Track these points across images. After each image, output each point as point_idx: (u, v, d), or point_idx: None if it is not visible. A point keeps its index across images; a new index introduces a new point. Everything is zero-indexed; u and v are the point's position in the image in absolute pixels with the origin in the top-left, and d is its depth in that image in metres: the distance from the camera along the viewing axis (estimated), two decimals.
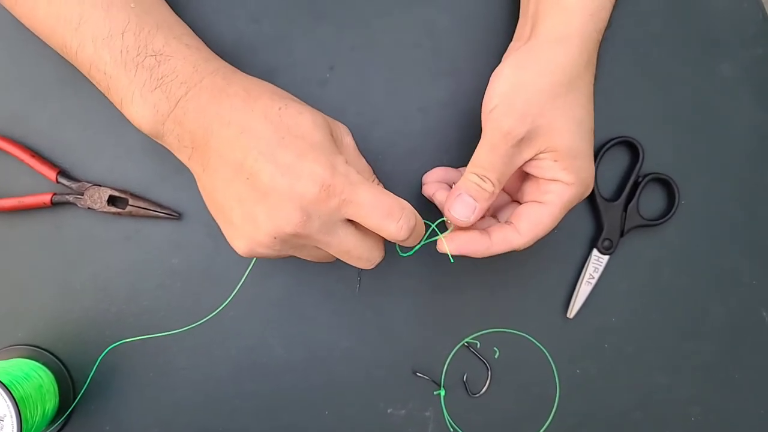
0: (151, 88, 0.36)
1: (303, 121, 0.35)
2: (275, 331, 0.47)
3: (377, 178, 0.41)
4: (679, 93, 0.49)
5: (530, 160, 0.39)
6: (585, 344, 0.49)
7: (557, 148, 0.38)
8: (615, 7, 0.42)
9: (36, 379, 0.42)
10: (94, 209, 0.44)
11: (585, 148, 0.39)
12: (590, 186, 0.40)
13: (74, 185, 0.44)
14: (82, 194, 0.44)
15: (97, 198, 0.44)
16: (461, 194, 0.39)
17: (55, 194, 0.44)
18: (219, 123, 0.35)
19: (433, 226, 0.41)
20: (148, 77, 0.36)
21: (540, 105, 0.37)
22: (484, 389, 0.48)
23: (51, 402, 0.43)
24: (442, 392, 0.48)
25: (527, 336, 0.49)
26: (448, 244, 0.39)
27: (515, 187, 0.43)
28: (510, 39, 0.47)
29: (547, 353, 0.49)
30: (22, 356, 0.45)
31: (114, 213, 0.45)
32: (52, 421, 0.44)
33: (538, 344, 0.49)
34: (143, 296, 0.46)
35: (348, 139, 0.39)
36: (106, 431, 0.46)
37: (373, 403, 0.48)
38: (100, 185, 0.45)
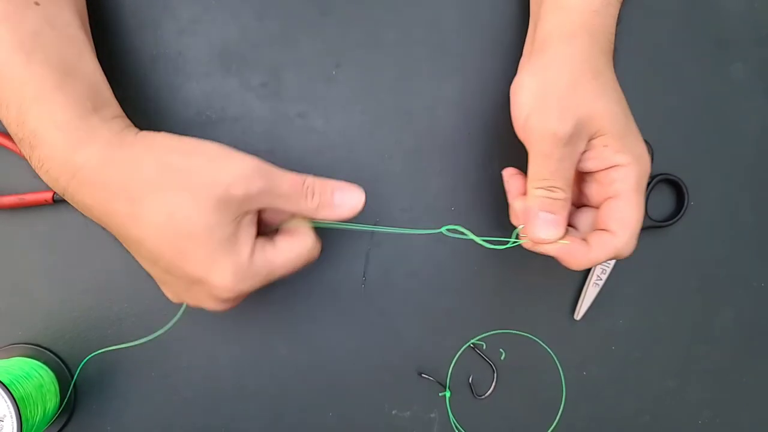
0: (36, 170, 0.34)
1: (197, 228, 0.33)
2: (279, 330, 0.47)
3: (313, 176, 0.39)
4: (689, 93, 0.49)
5: (584, 152, 0.38)
6: (592, 347, 0.48)
7: (605, 131, 0.37)
8: (623, 3, 0.41)
9: (36, 378, 0.42)
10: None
11: (630, 125, 0.38)
12: (648, 162, 0.38)
13: None
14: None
15: None
16: (537, 214, 0.38)
17: (56, 192, 0.44)
18: (112, 225, 0.34)
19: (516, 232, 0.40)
20: (29, 159, 0.34)
21: (574, 96, 0.36)
22: (489, 391, 0.48)
23: (52, 401, 0.42)
24: (448, 394, 0.47)
25: (534, 338, 0.48)
26: (545, 248, 0.38)
27: (574, 192, 0.41)
28: (518, 37, 0.47)
29: (553, 355, 0.48)
30: (21, 355, 0.44)
31: None
32: (54, 420, 0.44)
33: (544, 346, 0.48)
34: (145, 295, 0.45)
35: (252, 189, 0.35)
36: (108, 431, 0.46)
37: (378, 404, 0.47)
38: None
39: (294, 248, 0.37)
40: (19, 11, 0.34)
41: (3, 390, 0.38)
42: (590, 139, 0.37)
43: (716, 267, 0.49)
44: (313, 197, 0.37)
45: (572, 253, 0.38)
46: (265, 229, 0.39)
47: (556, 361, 0.48)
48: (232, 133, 0.46)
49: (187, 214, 0.33)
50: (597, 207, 0.40)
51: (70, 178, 0.33)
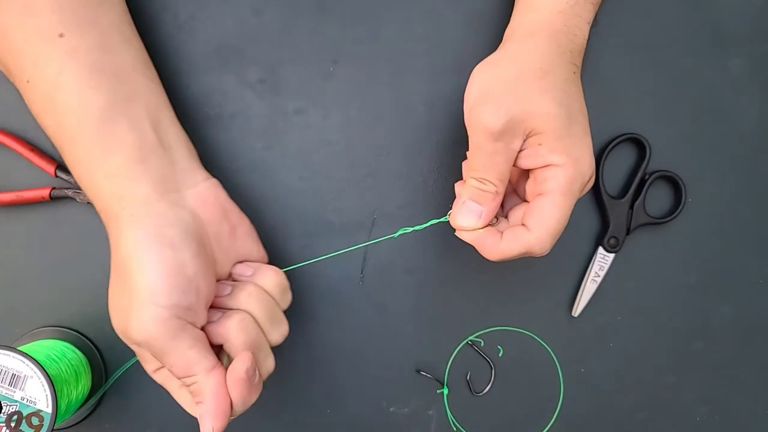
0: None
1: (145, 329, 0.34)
2: None
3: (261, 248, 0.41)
4: (687, 89, 0.49)
5: (521, 151, 0.38)
6: (590, 343, 0.48)
7: (540, 130, 0.37)
8: (603, 4, 0.42)
9: (68, 359, 0.42)
10: (93, 204, 0.44)
11: (573, 128, 0.37)
12: (588, 166, 0.38)
13: (73, 180, 0.44)
14: (81, 189, 0.44)
15: None
16: (465, 201, 0.39)
17: (53, 189, 0.44)
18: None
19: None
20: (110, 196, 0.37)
21: (513, 93, 0.37)
22: (487, 388, 0.48)
23: (83, 382, 0.43)
24: (446, 391, 0.47)
25: (531, 334, 0.48)
26: (462, 235, 0.39)
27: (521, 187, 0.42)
28: None
29: (551, 352, 0.48)
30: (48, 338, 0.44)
31: None
32: (86, 401, 0.45)
33: (542, 343, 0.48)
34: None
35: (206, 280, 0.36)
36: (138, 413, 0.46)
37: (376, 401, 0.47)
38: None
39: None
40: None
41: (38, 368, 0.38)
42: (527, 137, 0.37)
43: (714, 263, 0.49)
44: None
45: (483, 243, 0.38)
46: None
47: (554, 358, 0.48)
48: (229, 130, 0.45)
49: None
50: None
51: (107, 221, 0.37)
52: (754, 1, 0.49)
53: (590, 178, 0.39)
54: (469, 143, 0.38)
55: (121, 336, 0.35)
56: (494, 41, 0.47)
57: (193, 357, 0.34)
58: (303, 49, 0.46)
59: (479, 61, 0.47)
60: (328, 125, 0.46)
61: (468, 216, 0.39)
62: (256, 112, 0.46)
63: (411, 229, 0.42)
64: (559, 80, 0.38)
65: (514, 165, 0.38)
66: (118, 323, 0.35)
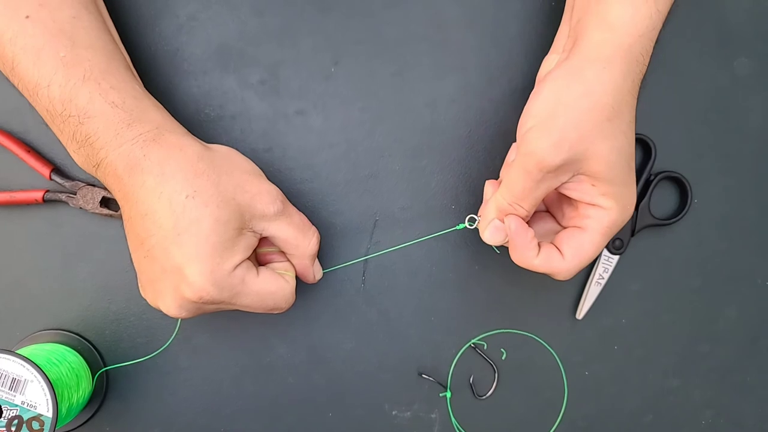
0: (74, 147, 0.36)
1: (206, 216, 0.35)
2: (278, 331, 0.46)
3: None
4: (693, 89, 0.48)
5: (566, 182, 0.38)
6: (594, 346, 0.48)
7: (595, 175, 0.37)
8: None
9: (67, 362, 0.42)
10: (86, 209, 0.44)
11: (624, 176, 0.37)
12: (629, 214, 0.39)
13: (68, 183, 0.44)
14: (75, 193, 0.44)
15: (90, 198, 0.44)
16: (493, 220, 0.40)
17: (47, 191, 0.44)
18: (131, 196, 0.36)
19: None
20: (71, 136, 0.36)
21: (579, 130, 0.35)
22: (490, 391, 0.47)
23: (83, 385, 0.43)
24: (448, 394, 0.47)
25: (535, 337, 0.48)
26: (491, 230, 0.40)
27: (551, 199, 0.43)
28: (519, 32, 0.46)
29: (555, 355, 0.48)
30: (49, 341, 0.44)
31: (106, 215, 0.44)
32: (87, 405, 0.45)
33: (546, 345, 0.48)
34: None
35: (271, 209, 0.37)
36: (139, 417, 0.45)
37: (378, 404, 0.47)
38: (93, 185, 0.44)
39: (273, 285, 0.38)
40: None
41: (38, 371, 0.38)
42: (578, 174, 0.37)
43: (720, 265, 0.49)
44: (312, 241, 0.40)
45: (523, 255, 0.39)
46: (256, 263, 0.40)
47: (558, 361, 0.48)
48: (230, 132, 0.45)
49: (205, 200, 0.35)
50: (561, 224, 0.41)
51: (115, 148, 0.35)
52: (761, 0, 0.48)
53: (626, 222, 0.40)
54: (516, 161, 0.37)
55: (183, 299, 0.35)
56: (497, 40, 0.47)
57: (306, 219, 0.40)
58: (304, 49, 0.46)
59: (481, 62, 0.47)
60: (330, 126, 0.46)
61: (495, 234, 0.40)
62: (257, 114, 0.45)
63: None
64: (625, 124, 0.37)
65: (556, 189, 0.39)
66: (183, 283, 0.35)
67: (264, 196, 0.37)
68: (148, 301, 0.38)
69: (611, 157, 0.36)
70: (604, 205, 0.37)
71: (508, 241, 0.40)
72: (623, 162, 0.37)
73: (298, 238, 0.39)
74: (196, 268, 0.34)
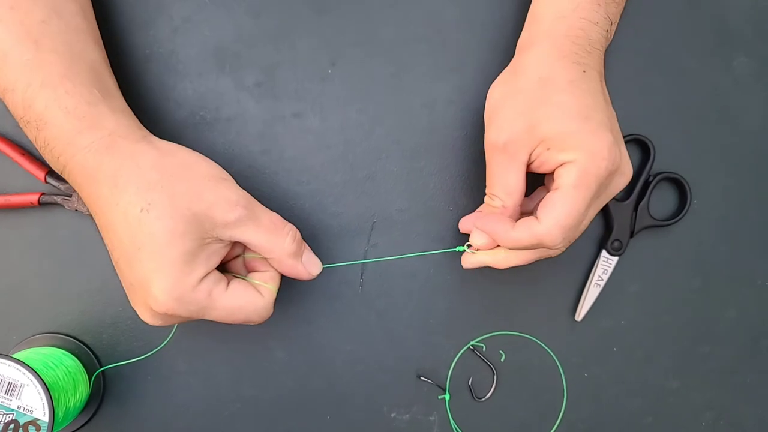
0: (40, 149, 0.36)
1: (160, 230, 0.34)
2: (276, 333, 0.46)
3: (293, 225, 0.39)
4: (692, 89, 0.48)
5: (531, 162, 0.39)
6: (593, 347, 0.48)
7: (544, 137, 0.37)
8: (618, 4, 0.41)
9: (64, 366, 0.42)
10: (81, 212, 0.44)
11: (577, 125, 0.37)
12: (604, 158, 0.36)
13: (63, 186, 0.43)
14: (70, 196, 0.43)
15: None
16: (475, 225, 0.41)
17: (43, 194, 0.43)
18: (93, 207, 0.36)
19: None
20: (34, 140, 0.36)
21: (514, 108, 0.38)
22: (489, 393, 0.47)
23: (80, 389, 0.43)
24: (447, 396, 0.47)
25: (534, 339, 0.47)
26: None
27: None
28: (516, 34, 0.46)
29: (554, 357, 0.48)
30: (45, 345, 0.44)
31: None
32: (84, 409, 0.45)
33: (545, 347, 0.48)
34: None
35: (230, 216, 0.36)
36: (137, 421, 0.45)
37: (377, 407, 0.47)
38: None
39: (241, 299, 0.37)
40: (28, 0, 0.36)
41: (34, 376, 0.38)
42: (534, 149, 0.38)
43: (719, 266, 0.48)
44: (286, 240, 0.37)
45: (495, 228, 0.39)
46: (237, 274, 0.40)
47: (557, 363, 0.48)
48: (226, 134, 0.45)
49: (159, 214, 0.34)
50: None
51: (70, 157, 0.35)
52: None
53: (612, 173, 0.38)
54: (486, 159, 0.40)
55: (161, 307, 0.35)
56: (494, 41, 0.46)
57: (279, 218, 0.38)
58: (300, 51, 0.45)
59: (478, 62, 0.47)
60: (327, 128, 0.46)
61: (477, 236, 0.41)
62: (253, 116, 0.45)
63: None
64: (563, 83, 0.38)
65: (534, 172, 0.39)
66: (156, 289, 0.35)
67: (222, 203, 0.35)
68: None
69: (552, 114, 0.37)
70: (567, 158, 0.37)
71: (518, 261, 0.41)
72: (569, 114, 0.37)
73: (270, 241, 0.37)
74: (158, 284, 0.34)
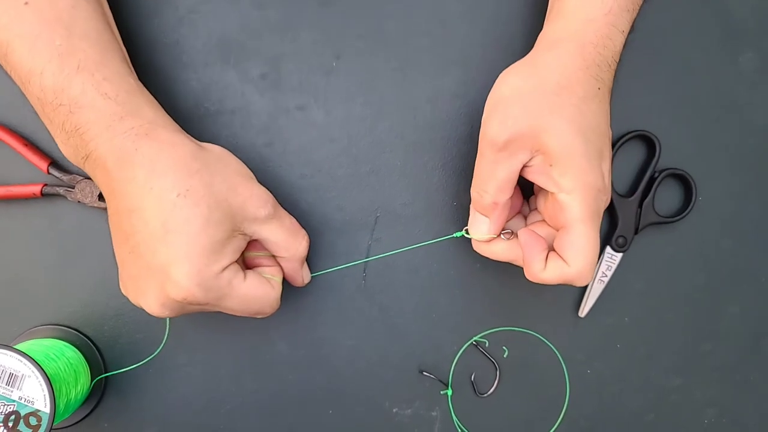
0: (63, 138, 0.36)
1: (196, 216, 0.34)
2: (278, 327, 0.46)
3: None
4: (698, 84, 0.48)
5: (527, 166, 0.38)
6: (597, 344, 0.48)
7: (547, 149, 0.37)
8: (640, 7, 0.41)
9: (65, 358, 0.42)
10: (84, 203, 0.43)
11: (585, 149, 0.37)
12: (599, 193, 0.37)
13: (65, 177, 0.43)
14: (73, 187, 0.43)
15: (88, 192, 0.43)
16: (473, 212, 0.41)
17: (45, 185, 0.43)
18: (119, 190, 0.35)
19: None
20: (60, 126, 0.35)
21: (524, 107, 0.37)
22: (492, 389, 0.47)
23: (82, 381, 0.42)
24: (450, 392, 0.47)
25: (537, 335, 0.47)
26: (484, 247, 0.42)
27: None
28: (521, 28, 0.46)
29: (557, 353, 0.47)
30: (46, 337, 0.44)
31: (104, 209, 0.44)
32: (85, 401, 0.44)
33: (548, 343, 0.47)
34: None
35: (262, 212, 0.37)
36: (138, 415, 0.45)
37: (379, 402, 0.46)
38: (91, 179, 0.43)
39: (259, 290, 0.38)
40: None
41: (35, 367, 0.37)
42: (536, 154, 0.37)
43: (724, 263, 0.48)
44: (302, 244, 0.40)
45: (529, 261, 0.38)
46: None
47: (560, 359, 0.47)
48: (230, 126, 0.45)
49: (197, 201, 0.34)
50: (555, 228, 0.40)
51: (106, 141, 0.35)
52: None
53: (606, 201, 0.39)
54: (478, 150, 0.39)
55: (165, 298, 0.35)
56: (499, 35, 0.46)
57: (297, 222, 0.40)
58: (305, 43, 0.45)
59: (483, 56, 0.46)
60: (331, 121, 0.45)
61: (474, 224, 0.41)
62: (257, 108, 0.45)
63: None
64: (576, 97, 0.37)
65: (524, 177, 0.39)
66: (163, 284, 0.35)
67: (255, 199, 0.37)
68: (129, 298, 0.37)
69: (563, 127, 0.36)
70: (566, 187, 0.37)
71: (515, 258, 0.41)
72: (578, 133, 0.36)
73: (288, 241, 0.39)
74: (183, 268, 0.34)
